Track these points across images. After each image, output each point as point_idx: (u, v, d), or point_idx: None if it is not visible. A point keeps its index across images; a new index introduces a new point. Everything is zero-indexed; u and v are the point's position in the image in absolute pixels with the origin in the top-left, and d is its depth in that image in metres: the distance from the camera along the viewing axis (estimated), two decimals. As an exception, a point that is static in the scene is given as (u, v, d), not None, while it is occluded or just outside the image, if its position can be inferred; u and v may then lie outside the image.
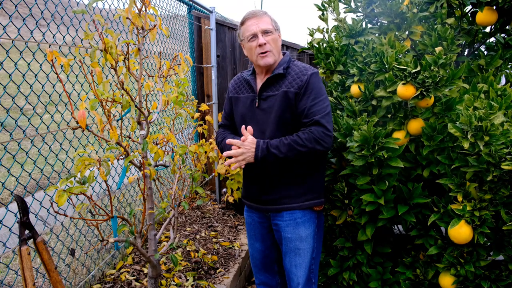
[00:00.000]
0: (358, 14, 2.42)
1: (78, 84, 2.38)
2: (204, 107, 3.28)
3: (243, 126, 1.78)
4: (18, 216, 1.43)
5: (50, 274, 1.51)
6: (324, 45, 2.59)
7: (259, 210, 1.95)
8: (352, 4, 2.41)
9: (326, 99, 1.77)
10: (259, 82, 1.89)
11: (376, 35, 2.24)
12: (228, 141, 1.78)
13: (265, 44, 1.77)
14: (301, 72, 1.78)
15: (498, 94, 1.78)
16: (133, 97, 1.58)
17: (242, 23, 1.84)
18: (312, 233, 1.87)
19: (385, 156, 1.79)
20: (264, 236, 2.00)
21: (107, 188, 1.60)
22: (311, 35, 2.74)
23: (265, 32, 1.78)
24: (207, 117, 3.56)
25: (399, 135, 1.90)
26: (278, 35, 1.84)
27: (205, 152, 2.86)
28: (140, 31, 1.63)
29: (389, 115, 1.99)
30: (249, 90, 1.91)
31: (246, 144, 1.73)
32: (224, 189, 3.92)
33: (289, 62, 1.84)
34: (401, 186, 1.91)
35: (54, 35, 2.12)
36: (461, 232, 1.65)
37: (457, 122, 1.64)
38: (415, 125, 1.87)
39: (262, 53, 1.78)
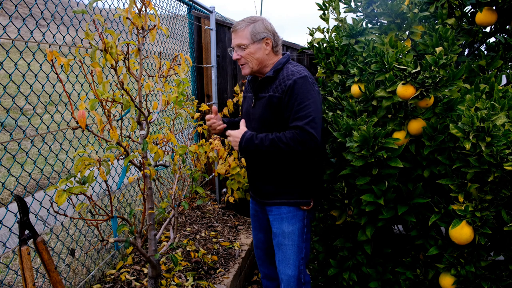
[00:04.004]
0: (358, 14, 2.42)
1: (78, 84, 2.38)
2: (204, 107, 3.27)
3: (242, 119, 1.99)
4: (18, 216, 1.43)
5: (50, 274, 1.51)
6: (325, 44, 2.59)
7: (258, 202, 2.06)
8: (352, 4, 2.41)
9: (313, 103, 1.76)
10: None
11: (377, 35, 2.23)
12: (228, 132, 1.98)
13: (238, 59, 1.90)
14: (287, 76, 1.82)
15: (500, 96, 1.78)
16: (133, 97, 1.58)
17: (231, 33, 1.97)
18: (297, 231, 1.91)
19: (385, 156, 1.79)
20: (266, 227, 2.10)
21: (107, 188, 1.60)
22: (312, 34, 2.74)
23: (240, 47, 1.87)
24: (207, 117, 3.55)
25: (399, 135, 1.90)
26: (257, 46, 1.86)
27: (205, 152, 2.86)
28: (140, 31, 1.63)
29: (389, 115, 1.99)
30: (251, 90, 2.02)
31: (233, 132, 1.90)
32: (224, 189, 3.92)
33: (283, 64, 1.88)
34: (401, 186, 1.91)
35: (54, 35, 2.12)
36: (462, 232, 1.64)
37: (459, 123, 1.64)
38: (416, 126, 1.86)
39: (240, 64, 1.93)
